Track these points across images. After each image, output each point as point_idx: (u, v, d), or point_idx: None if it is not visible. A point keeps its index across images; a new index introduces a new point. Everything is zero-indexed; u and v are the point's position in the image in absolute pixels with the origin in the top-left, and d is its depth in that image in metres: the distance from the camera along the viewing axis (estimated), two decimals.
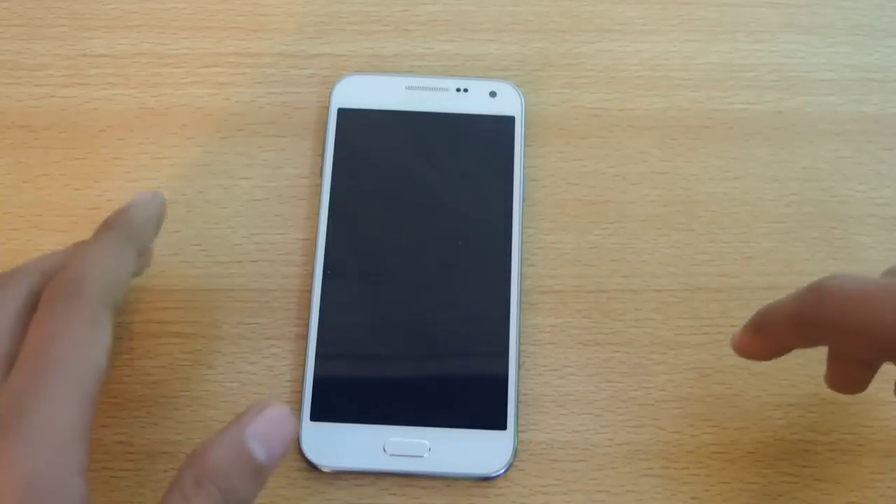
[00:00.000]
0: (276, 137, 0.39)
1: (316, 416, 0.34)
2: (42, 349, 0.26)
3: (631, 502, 0.34)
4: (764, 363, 0.35)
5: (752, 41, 0.41)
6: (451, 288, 0.36)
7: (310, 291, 0.36)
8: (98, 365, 0.26)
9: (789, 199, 0.38)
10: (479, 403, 0.34)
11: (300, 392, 0.34)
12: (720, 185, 0.39)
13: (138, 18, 0.41)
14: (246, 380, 0.35)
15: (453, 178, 0.38)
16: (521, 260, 0.36)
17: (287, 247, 0.37)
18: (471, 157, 0.38)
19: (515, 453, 0.34)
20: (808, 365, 0.36)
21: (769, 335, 0.31)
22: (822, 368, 0.36)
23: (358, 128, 0.38)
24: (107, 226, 0.31)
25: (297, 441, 0.34)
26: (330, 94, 0.39)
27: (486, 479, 0.34)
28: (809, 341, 0.31)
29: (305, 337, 0.35)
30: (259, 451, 0.27)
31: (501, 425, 0.34)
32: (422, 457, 0.34)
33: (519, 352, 0.35)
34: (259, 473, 0.27)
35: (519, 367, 0.35)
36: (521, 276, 0.36)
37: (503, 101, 0.39)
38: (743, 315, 0.36)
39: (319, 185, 0.37)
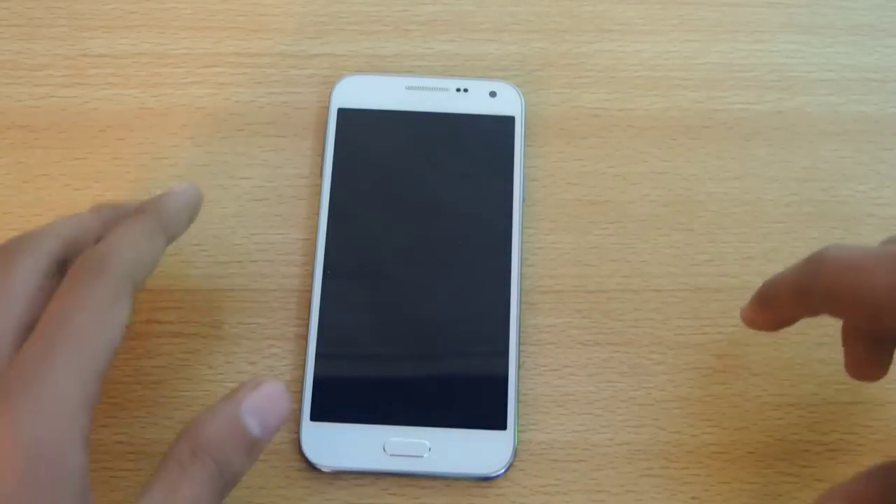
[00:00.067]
0: (276, 137, 0.39)
1: (316, 416, 0.34)
2: (60, 322, 0.26)
3: (631, 502, 0.34)
4: (765, 366, 0.36)
5: (752, 41, 0.41)
6: (451, 288, 0.36)
7: (310, 291, 0.36)
8: (112, 342, 0.27)
9: (789, 199, 0.38)
10: (479, 403, 0.34)
11: (300, 392, 0.34)
12: (720, 185, 0.39)
13: (138, 18, 0.41)
14: (246, 380, 0.35)
15: (453, 178, 0.38)
16: (521, 260, 0.36)
17: (287, 247, 0.37)
18: (471, 157, 0.38)
19: (515, 453, 0.34)
20: (808, 365, 0.36)
21: (773, 306, 0.32)
22: (823, 368, 0.36)
23: (358, 128, 0.38)
24: (141, 210, 0.31)
25: (297, 441, 0.34)
26: (330, 94, 0.39)
27: (486, 479, 0.34)
28: (811, 310, 0.31)
29: (305, 337, 0.35)
30: (254, 426, 0.28)
31: (501, 425, 0.34)
32: (422, 457, 0.34)
33: (519, 352, 0.35)
34: (253, 447, 0.28)
35: (519, 367, 0.35)
36: (521, 276, 0.36)
37: (503, 101, 0.39)
38: None
39: (319, 185, 0.37)
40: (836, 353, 0.36)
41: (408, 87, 0.39)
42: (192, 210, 0.32)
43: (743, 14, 0.41)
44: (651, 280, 0.37)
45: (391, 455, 0.34)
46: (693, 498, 0.34)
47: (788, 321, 0.32)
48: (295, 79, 0.40)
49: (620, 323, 0.36)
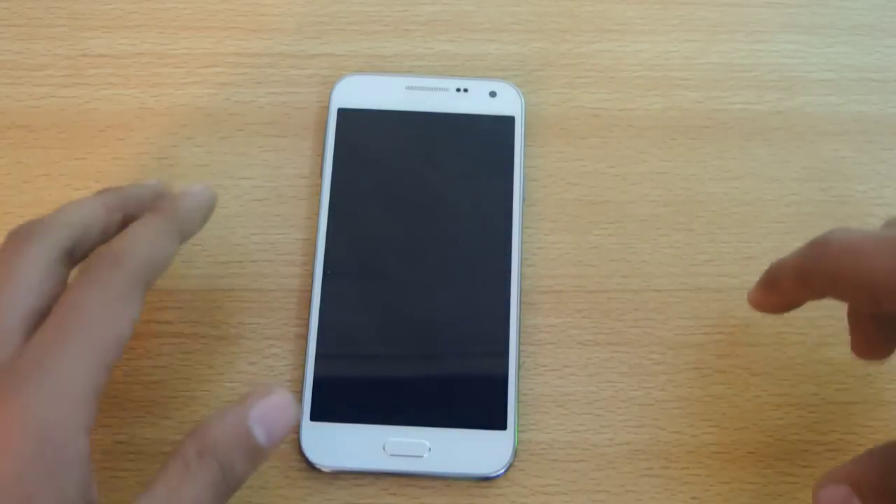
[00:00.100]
0: (276, 137, 0.39)
1: (316, 416, 0.34)
2: (72, 312, 0.27)
3: (631, 502, 0.34)
4: (765, 366, 0.36)
5: (752, 41, 0.41)
6: (451, 288, 0.36)
7: (310, 291, 0.36)
8: (122, 336, 0.27)
9: (789, 199, 0.38)
10: (479, 403, 0.34)
11: (300, 392, 0.34)
12: (720, 185, 0.39)
13: (138, 18, 0.41)
14: (246, 380, 0.35)
15: (453, 178, 0.38)
16: (521, 260, 0.36)
17: (287, 247, 0.37)
18: (471, 157, 0.38)
19: (515, 453, 0.34)
20: (808, 365, 0.36)
21: (778, 289, 0.32)
22: (823, 368, 0.36)
23: (358, 128, 0.38)
24: (156, 210, 0.32)
25: (297, 441, 0.34)
26: (330, 94, 0.39)
27: (486, 479, 0.34)
28: (814, 293, 0.31)
29: (305, 337, 0.35)
30: (260, 434, 0.28)
31: (501, 425, 0.34)
32: (422, 457, 0.34)
33: (519, 352, 0.35)
34: (258, 455, 0.28)
35: (519, 367, 0.35)
36: (521, 276, 0.36)
37: (503, 101, 0.39)
38: (743, 315, 0.36)
39: (319, 185, 0.37)
40: (837, 353, 0.36)
41: (408, 87, 0.39)
42: (207, 211, 0.33)
43: (743, 14, 0.41)
44: (651, 280, 0.37)
45: (391, 455, 0.34)
46: (693, 498, 0.34)
47: (794, 304, 0.33)
48: (295, 79, 0.40)
49: (620, 323, 0.36)
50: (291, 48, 0.41)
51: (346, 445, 0.34)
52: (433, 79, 0.39)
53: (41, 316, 0.28)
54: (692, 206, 0.38)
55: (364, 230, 0.37)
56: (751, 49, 0.41)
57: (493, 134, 0.38)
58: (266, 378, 0.35)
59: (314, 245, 0.37)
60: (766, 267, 0.37)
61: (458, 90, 0.39)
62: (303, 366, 0.35)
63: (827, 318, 0.36)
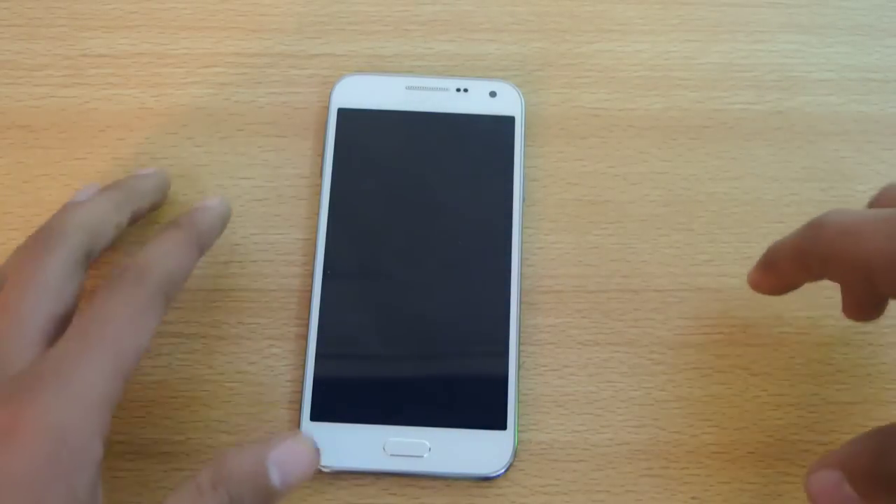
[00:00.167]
0: (276, 137, 0.39)
1: (316, 416, 0.34)
2: (95, 325, 0.28)
3: (631, 502, 0.34)
4: (765, 366, 0.36)
5: (752, 41, 0.41)
6: (450, 288, 0.36)
7: (310, 291, 0.36)
8: (141, 347, 0.28)
9: (789, 199, 0.38)
10: (479, 403, 0.34)
11: (300, 392, 0.34)
12: (720, 185, 0.39)
13: (138, 18, 0.41)
14: (246, 380, 0.35)
15: (453, 178, 0.38)
16: (521, 260, 0.36)
17: (287, 247, 0.37)
18: (471, 157, 0.38)
19: (515, 453, 0.34)
20: (808, 365, 0.36)
21: (777, 270, 0.32)
22: (823, 368, 0.36)
23: (358, 128, 0.38)
24: (176, 224, 0.32)
25: None
26: (330, 94, 0.39)
27: (486, 479, 0.34)
28: (811, 275, 0.31)
29: (305, 337, 0.35)
30: (275, 476, 0.29)
31: (501, 425, 0.34)
32: (422, 457, 0.34)
33: (519, 352, 0.35)
34: (269, 496, 0.29)
35: (519, 367, 0.35)
36: (521, 276, 0.36)
37: (503, 101, 0.39)
38: (743, 315, 0.36)
39: (319, 185, 0.37)
40: (837, 354, 0.36)
41: (408, 87, 0.39)
42: (223, 224, 0.34)
43: (743, 14, 0.41)
44: (651, 280, 0.37)
45: (391, 455, 0.34)
46: (693, 498, 0.34)
47: (792, 286, 0.33)
48: (295, 79, 0.40)
49: (620, 323, 0.36)
50: (291, 48, 0.41)
51: (346, 445, 0.34)
52: (433, 79, 0.39)
53: (61, 321, 0.29)
54: (692, 206, 0.38)
55: (364, 230, 0.37)
56: (751, 49, 0.41)
57: (493, 134, 0.38)
58: (266, 378, 0.35)
59: (314, 245, 0.37)
60: None
61: (458, 90, 0.39)
62: (303, 366, 0.35)
63: (827, 318, 0.36)
